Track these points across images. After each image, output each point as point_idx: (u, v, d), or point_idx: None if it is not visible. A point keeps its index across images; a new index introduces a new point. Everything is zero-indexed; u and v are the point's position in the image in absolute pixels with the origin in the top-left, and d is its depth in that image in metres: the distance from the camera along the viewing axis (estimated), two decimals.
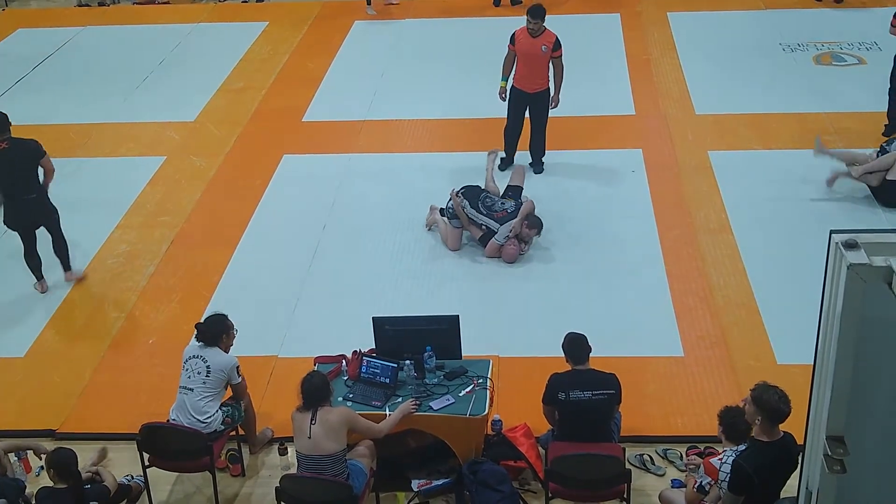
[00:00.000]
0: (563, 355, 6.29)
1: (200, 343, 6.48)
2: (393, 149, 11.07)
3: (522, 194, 9.21)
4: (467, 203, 8.88)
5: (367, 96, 12.36)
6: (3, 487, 5.96)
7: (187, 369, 6.44)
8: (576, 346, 6.26)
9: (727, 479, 5.28)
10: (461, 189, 9.03)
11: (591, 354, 6.28)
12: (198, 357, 6.43)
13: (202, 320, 6.63)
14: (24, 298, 8.68)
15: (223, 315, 6.63)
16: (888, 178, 9.33)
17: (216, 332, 6.50)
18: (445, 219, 9.07)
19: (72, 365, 7.84)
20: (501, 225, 8.79)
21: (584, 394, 6.09)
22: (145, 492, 6.45)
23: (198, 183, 10.46)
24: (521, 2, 15.11)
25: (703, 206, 9.62)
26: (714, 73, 12.55)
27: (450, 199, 8.99)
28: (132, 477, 6.50)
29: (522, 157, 10.37)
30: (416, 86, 12.60)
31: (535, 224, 8.83)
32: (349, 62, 13.54)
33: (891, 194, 9.36)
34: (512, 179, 9.51)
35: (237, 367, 6.49)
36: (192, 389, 6.37)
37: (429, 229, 9.33)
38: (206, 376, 6.37)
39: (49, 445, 6.62)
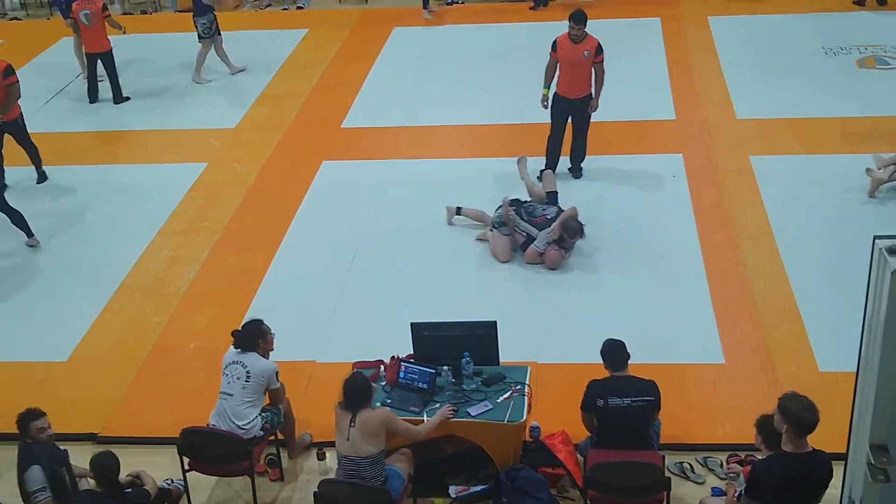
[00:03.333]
0: (601, 362, 6.25)
1: (238, 349, 6.52)
2: (432, 154, 11.08)
3: (558, 199, 9.18)
4: (514, 210, 8.87)
5: (407, 102, 12.39)
6: (38, 454, 5.99)
7: (227, 375, 6.49)
8: (615, 352, 6.21)
9: None
10: (512, 199, 9.00)
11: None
12: (237, 363, 6.47)
13: (239, 327, 6.67)
14: (66, 304, 8.79)
15: (259, 320, 6.67)
16: None
17: (252, 337, 6.54)
18: (493, 230, 9.03)
19: (113, 369, 7.92)
20: (540, 231, 8.76)
21: (622, 400, 6.04)
22: (185, 496, 6.50)
23: (238, 189, 10.55)
24: (547, 4, 15.09)
25: (745, 210, 9.52)
26: (755, 76, 12.43)
27: (498, 207, 8.97)
28: (172, 481, 6.55)
29: (562, 161, 10.33)
30: (454, 92, 12.61)
31: (574, 231, 8.78)
32: (388, 68, 13.59)
33: None
34: (546, 187, 9.48)
35: (276, 373, 6.53)
36: (231, 395, 6.41)
37: (449, 223, 9.39)
38: (246, 381, 6.41)
39: (91, 449, 6.71)
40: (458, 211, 9.46)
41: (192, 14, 13.31)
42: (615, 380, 6.15)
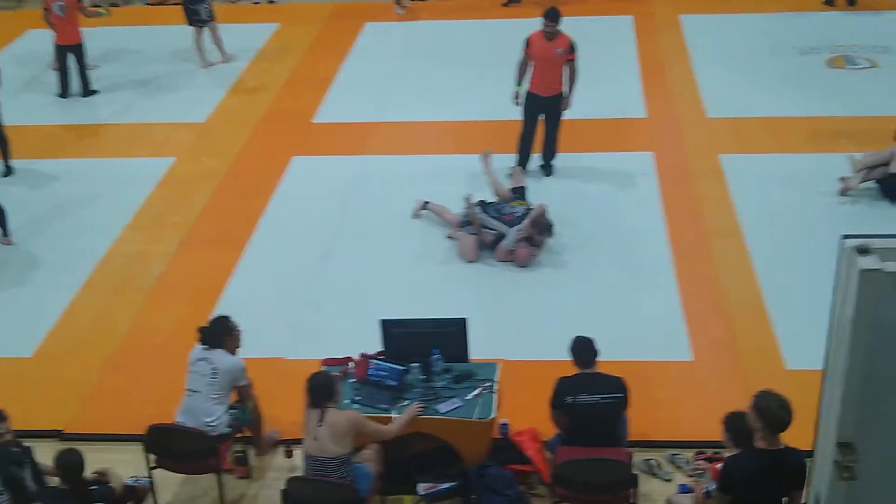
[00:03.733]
0: (571, 359, 6.25)
1: (205, 346, 6.46)
2: (404, 151, 11.05)
3: (527, 195, 9.18)
4: (479, 209, 8.85)
5: (378, 98, 12.35)
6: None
7: (193, 372, 6.43)
8: (583, 349, 6.22)
9: None
10: (477, 201, 8.98)
11: (599, 358, 6.23)
12: (204, 360, 6.42)
13: (206, 324, 6.61)
14: (31, 299, 8.68)
15: (225, 317, 6.63)
16: (890, 170, 9.30)
17: (219, 334, 6.50)
18: (458, 230, 9.00)
19: (79, 365, 7.83)
20: (510, 228, 8.75)
21: (591, 397, 6.05)
22: (151, 493, 6.43)
23: (208, 184, 10.46)
24: (520, 1, 15.07)
25: (715, 209, 9.56)
26: (726, 75, 12.50)
27: (465, 207, 8.95)
28: (138, 478, 6.48)
29: (533, 159, 10.32)
30: (427, 88, 12.58)
31: (544, 228, 8.78)
32: (360, 64, 13.54)
33: (894, 190, 9.34)
34: (514, 182, 9.47)
35: (244, 370, 6.49)
36: (198, 391, 6.36)
37: (414, 216, 9.41)
38: (213, 378, 6.36)
39: (56, 446, 6.61)
40: (426, 205, 9.43)
41: (183, 2, 13.25)
42: (584, 377, 6.15)
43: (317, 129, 11.74)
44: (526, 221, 8.72)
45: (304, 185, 10.39)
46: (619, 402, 6.11)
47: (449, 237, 9.24)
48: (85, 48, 12.57)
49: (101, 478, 6.17)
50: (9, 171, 10.73)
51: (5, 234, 9.36)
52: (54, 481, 6.02)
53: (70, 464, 5.76)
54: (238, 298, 8.46)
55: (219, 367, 6.38)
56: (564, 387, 6.13)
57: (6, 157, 10.71)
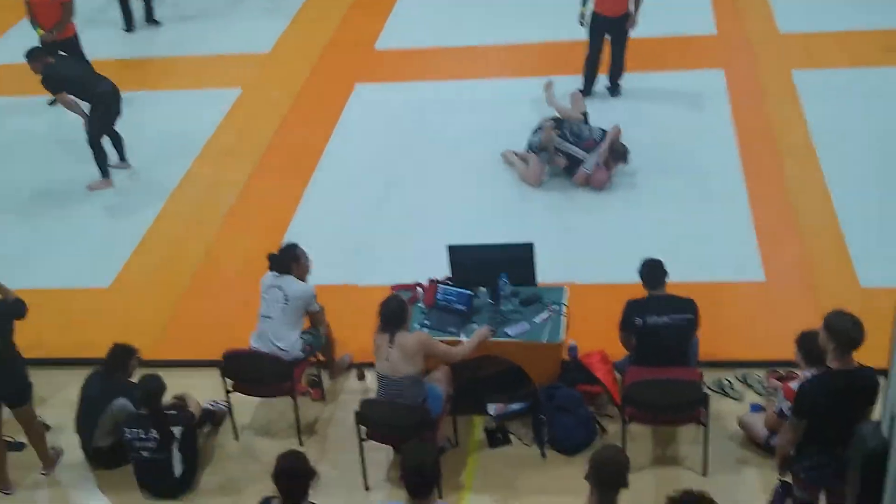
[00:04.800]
0: (639, 282, 6.22)
1: (275, 272, 6.56)
2: (467, 76, 10.95)
3: (588, 120, 9.06)
4: (557, 134, 8.75)
5: (440, 22, 12.22)
6: (130, 389, 6.17)
7: (266, 298, 6.55)
8: (652, 271, 6.19)
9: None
10: (552, 121, 8.88)
11: (670, 280, 6.20)
12: (275, 286, 6.53)
13: (275, 251, 6.71)
14: (106, 230, 8.89)
15: (294, 244, 6.72)
16: None
17: (286, 260, 6.59)
18: (528, 153, 8.91)
19: (155, 295, 8.03)
20: (589, 153, 8.65)
21: (660, 318, 6.03)
22: (229, 416, 6.62)
23: (274, 114, 10.51)
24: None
25: (787, 128, 9.35)
26: None
27: (536, 130, 8.85)
28: (216, 402, 6.67)
29: (599, 80, 10.17)
30: (489, 11, 12.38)
31: (619, 155, 8.68)
32: None
33: None
34: (577, 108, 9.34)
35: (314, 296, 6.58)
36: (271, 317, 6.48)
37: (507, 162, 9.21)
38: (285, 304, 6.47)
39: (135, 373, 6.83)
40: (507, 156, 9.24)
41: None
42: (653, 299, 6.13)
43: (379, 55, 11.68)
44: (604, 145, 8.62)
45: (367, 113, 10.39)
46: (688, 322, 6.09)
47: (503, 156, 9.17)
48: None
49: (180, 402, 6.38)
50: None
51: (122, 160, 9.63)
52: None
53: (149, 389, 5.96)
54: (306, 226, 8.55)
55: (289, 293, 6.48)
56: (633, 309, 6.12)
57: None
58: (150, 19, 12.89)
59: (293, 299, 6.48)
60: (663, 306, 6.09)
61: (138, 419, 6.00)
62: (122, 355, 6.30)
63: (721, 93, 10.02)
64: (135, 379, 6.28)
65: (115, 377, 6.26)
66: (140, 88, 11.26)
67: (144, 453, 6.00)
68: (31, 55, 9.05)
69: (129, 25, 12.80)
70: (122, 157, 9.64)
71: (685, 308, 6.11)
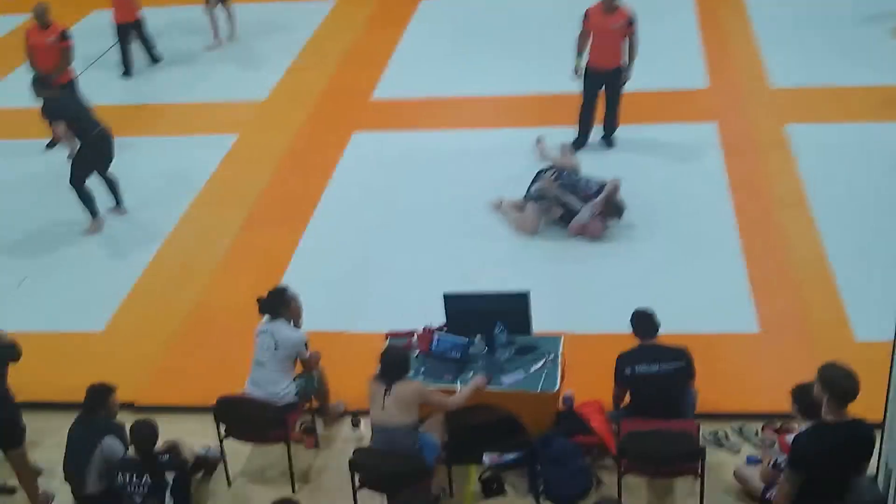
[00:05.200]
0: (631, 332, 6.25)
1: (267, 317, 6.55)
2: (463, 125, 11.04)
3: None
4: (558, 185, 8.80)
5: (438, 73, 12.35)
6: (117, 427, 6.10)
7: (259, 344, 6.55)
8: (642, 320, 6.24)
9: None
10: (553, 170, 8.94)
11: (665, 331, 6.23)
12: (266, 332, 6.53)
13: (265, 295, 6.68)
14: (101, 274, 8.87)
15: (284, 287, 6.73)
16: None
17: (276, 304, 6.59)
18: (525, 202, 8.95)
19: (149, 339, 8.00)
20: (585, 204, 8.71)
21: (650, 367, 6.06)
22: (223, 463, 6.56)
23: (270, 161, 10.57)
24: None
25: (780, 180, 9.43)
26: (790, 44, 12.26)
27: (532, 183, 8.91)
28: (209, 448, 6.62)
29: (594, 132, 10.27)
30: (486, 62, 12.53)
31: (615, 210, 8.75)
32: (418, 38, 13.53)
33: None
34: (568, 159, 9.43)
35: (305, 343, 6.57)
36: (263, 363, 6.48)
37: (496, 208, 9.25)
38: (275, 350, 6.46)
39: (129, 417, 6.77)
40: (501, 205, 9.27)
41: None
42: (643, 348, 6.18)
43: (376, 105, 11.78)
44: (601, 196, 8.68)
45: (364, 162, 10.45)
46: (680, 371, 6.10)
47: (494, 205, 9.20)
48: (144, 23, 12.79)
49: (173, 449, 6.31)
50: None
51: (118, 205, 9.63)
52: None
53: (142, 435, 5.89)
54: (302, 273, 8.54)
55: (279, 339, 6.48)
56: (624, 360, 6.16)
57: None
58: (154, 59, 13.04)
59: (283, 346, 6.47)
60: (654, 355, 6.12)
61: (130, 465, 5.94)
62: (100, 394, 6.17)
63: (714, 145, 10.12)
64: (120, 419, 6.23)
65: (98, 417, 6.18)
66: (137, 134, 11.33)
67: (137, 499, 5.93)
68: (41, 81, 9.09)
69: (128, 70, 12.90)
70: (118, 203, 9.65)
71: (676, 356, 6.13)
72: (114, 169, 9.47)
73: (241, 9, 13.80)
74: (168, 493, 5.92)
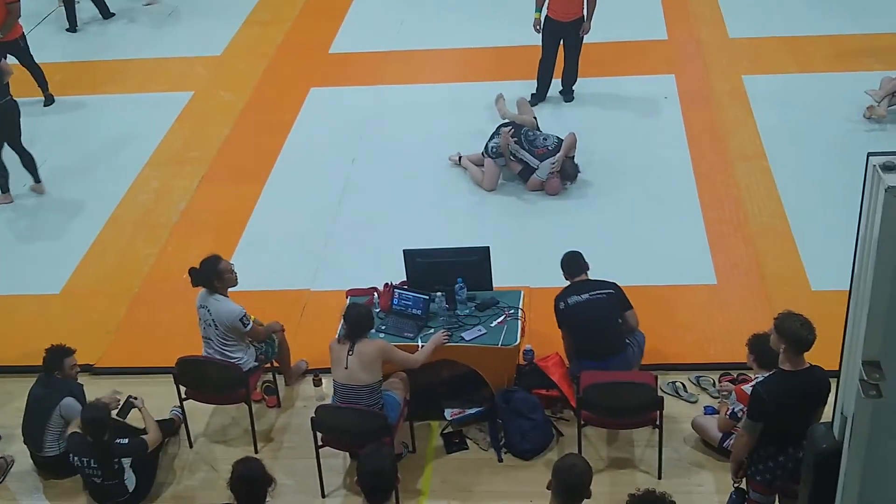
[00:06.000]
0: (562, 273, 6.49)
1: (204, 290, 6.37)
2: (422, 80, 10.96)
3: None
4: (514, 141, 8.77)
5: (395, 26, 12.21)
6: (70, 388, 6.08)
7: (201, 318, 6.39)
8: (570, 260, 6.49)
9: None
10: (510, 126, 8.91)
11: (624, 284, 6.32)
12: (204, 307, 6.35)
13: (196, 266, 6.42)
14: (56, 237, 8.75)
15: (216, 257, 6.42)
16: None
17: (208, 276, 6.33)
18: (484, 157, 8.93)
19: (107, 301, 7.92)
20: (542, 161, 8.69)
21: (581, 296, 6.29)
22: (184, 424, 6.54)
23: (226, 118, 10.43)
24: None
25: (737, 132, 9.47)
26: None
27: (490, 138, 8.88)
28: (176, 408, 6.55)
29: (553, 85, 10.23)
30: (444, 15, 12.41)
31: (570, 175, 8.75)
32: None
33: None
34: (524, 114, 9.40)
35: (242, 317, 6.28)
36: (210, 339, 6.38)
37: (455, 163, 9.22)
38: (216, 328, 6.32)
39: (87, 380, 6.74)
40: (461, 160, 9.23)
41: None
42: (574, 284, 6.43)
43: (334, 59, 11.64)
44: (560, 153, 8.66)
45: (322, 117, 10.35)
46: (610, 297, 6.30)
47: (451, 160, 9.19)
48: None
49: (134, 429, 6.14)
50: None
51: (36, 180, 9.27)
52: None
53: (93, 423, 5.71)
54: (261, 232, 8.50)
55: (216, 317, 6.30)
56: (557, 298, 6.38)
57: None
58: (107, 14, 12.81)
59: (221, 323, 6.30)
60: (583, 288, 6.36)
61: (84, 447, 5.77)
62: (57, 355, 6.14)
63: (672, 97, 10.13)
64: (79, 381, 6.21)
65: (55, 378, 6.14)
66: (89, 92, 11.13)
67: (95, 479, 5.85)
68: None
69: (72, 26, 12.62)
70: (36, 179, 9.27)
71: (605, 286, 6.35)
72: (66, 127, 9.29)
73: None
74: (128, 466, 5.86)
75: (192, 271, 6.36)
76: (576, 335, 6.39)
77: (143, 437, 6.02)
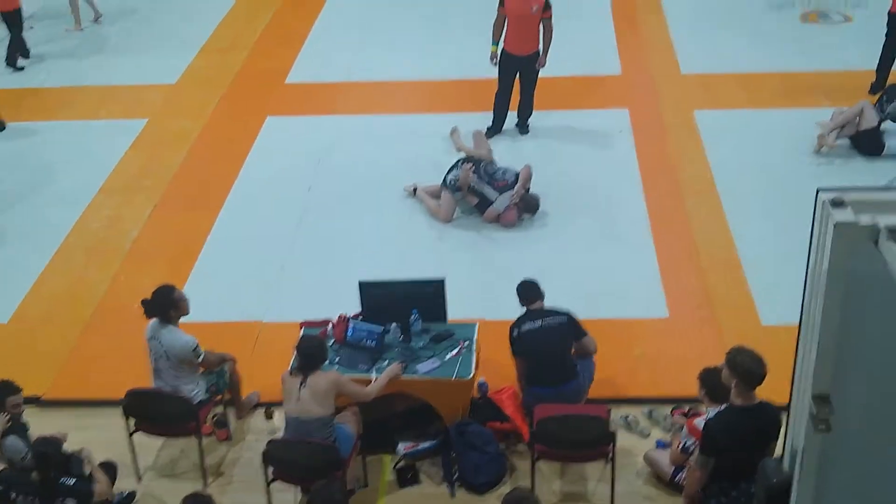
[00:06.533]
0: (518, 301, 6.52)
1: (156, 320, 6.28)
2: (379, 110, 10.97)
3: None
4: (475, 175, 8.79)
5: (352, 57, 12.23)
6: (19, 427, 5.89)
7: (151, 350, 6.30)
8: (526, 287, 6.50)
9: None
10: (469, 161, 8.93)
11: (578, 316, 6.32)
12: (155, 339, 6.25)
13: (149, 297, 6.33)
14: (5, 265, 8.59)
15: (170, 287, 6.35)
16: (860, 128, 9.39)
17: (162, 306, 6.25)
18: (441, 188, 8.94)
19: (56, 330, 7.78)
20: (501, 194, 8.73)
21: (534, 323, 6.30)
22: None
23: (181, 145, 10.35)
24: None
25: (689, 166, 9.59)
26: (700, 31, 12.48)
27: (449, 171, 8.90)
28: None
29: (509, 118, 10.30)
30: (401, 46, 12.48)
31: (531, 206, 8.80)
32: (333, 22, 13.38)
33: (867, 144, 9.45)
34: (482, 146, 9.46)
35: (194, 349, 6.23)
36: (161, 371, 6.28)
37: (410, 194, 9.22)
38: (167, 360, 6.24)
39: (35, 413, 6.60)
40: (416, 191, 9.22)
41: None
42: (528, 311, 6.44)
43: (291, 88, 11.63)
44: (519, 185, 8.70)
45: (278, 146, 10.31)
46: (562, 325, 6.32)
47: (405, 190, 9.20)
48: (20, 14, 12.13)
49: (91, 474, 5.83)
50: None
51: None
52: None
53: (42, 457, 5.50)
54: (215, 261, 8.42)
55: (168, 349, 6.23)
56: (512, 326, 6.40)
57: None
58: (13, 61, 12.27)
59: (172, 355, 6.23)
60: (537, 315, 6.38)
61: (28, 484, 5.54)
62: (1, 392, 5.91)
63: (626, 131, 10.24)
64: (26, 415, 6.05)
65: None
66: (40, 119, 11.00)
67: None
68: None
69: (23, 53, 12.37)
70: None
71: (559, 314, 6.38)
72: (17, 154, 9.17)
73: None
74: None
75: (144, 302, 6.28)
76: (529, 362, 6.40)
77: (92, 486, 5.67)
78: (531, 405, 6.29)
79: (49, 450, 5.53)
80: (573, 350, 6.41)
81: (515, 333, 6.35)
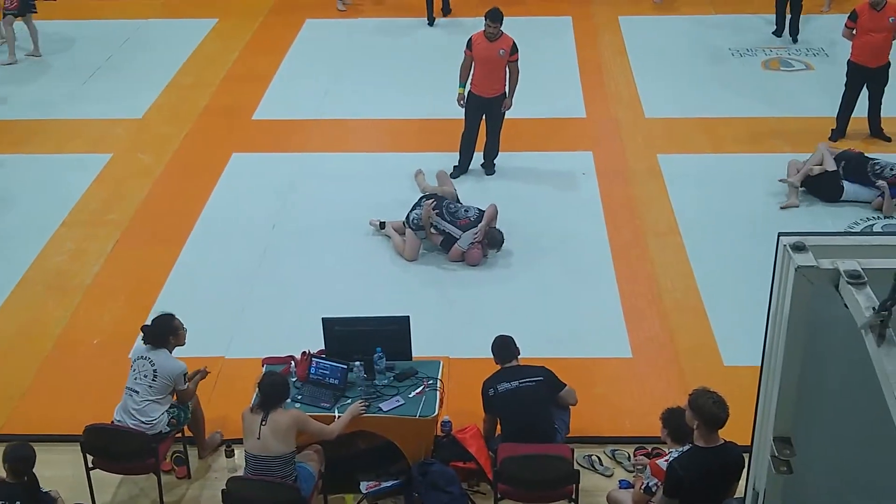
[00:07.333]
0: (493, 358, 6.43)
1: (148, 345, 6.36)
2: (345, 149, 10.99)
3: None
4: (436, 213, 8.84)
5: (319, 95, 12.28)
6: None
7: (134, 370, 6.33)
8: (501, 346, 6.44)
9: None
10: (431, 199, 8.98)
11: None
12: (145, 359, 6.31)
13: (149, 321, 6.49)
14: None
15: (170, 315, 6.50)
16: (821, 171, 9.53)
17: (163, 333, 6.38)
18: (405, 227, 8.97)
19: (14, 364, 7.67)
20: (464, 232, 8.77)
21: (510, 384, 6.23)
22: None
23: (145, 181, 10.30)
24: (451, 11, 14.86)
25: (652, 209, 9.69)
26: (664, 77, 12.65)
27: (412, 209, 8.93)
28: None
29: (475, 158, 10.37)
30: (367, 85, 12.53)
31: (495, 242, 8.83)
32: (300, 60, 13.43)
33: (826, 189, 9.59)
34: (446, 186, 9.52)
35: (184, 374, 6.38)
36: (137, 391, 6.26)
37: (377, 229, 9.24)
38: (153, 380, 6.26)
39: None
40: (382, 226, 9.27)
41: None
42: (504, 370, 6.38)
43: (257, 125, 11.63)
44: (481, 226, 8.74)
45: (243, 182, 10.29)
46: (539, 384, 6.27)
47: (371, 224, 9.22)
48: None
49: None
50: None
51: None
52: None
53: (20, 459, 5.48)
54: (177, 296, 8.35)
55: (159, 369, 6.28)
56: (486, 383, 6.33)
57: None
58: None
59: (162, 376, 6.27)
60: (513, 374, 6.31)
61: (5, 488, 5.50)
62: None
63: (590, 173, 10.34)
64: None
65: None
66: (3, 151, 10.90)
67: None
68: None
69: None
70: None
71: (536, 373, 6.32)
72: None
73: (122, 25, 13.43)
74: None
75: (144, 328, 6.40)
76: (504, 423, 6.34)
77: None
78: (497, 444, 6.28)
79: (26, 451, 5.50)
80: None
81: (491, 393, 6.27)
